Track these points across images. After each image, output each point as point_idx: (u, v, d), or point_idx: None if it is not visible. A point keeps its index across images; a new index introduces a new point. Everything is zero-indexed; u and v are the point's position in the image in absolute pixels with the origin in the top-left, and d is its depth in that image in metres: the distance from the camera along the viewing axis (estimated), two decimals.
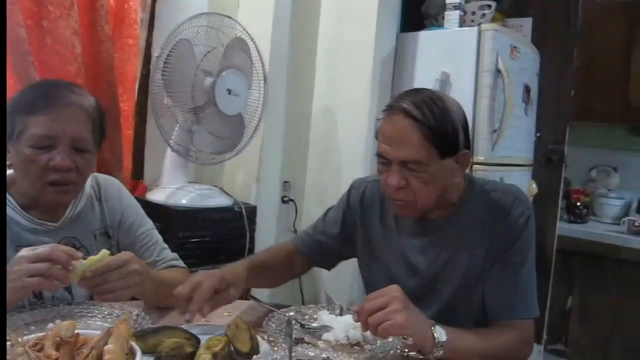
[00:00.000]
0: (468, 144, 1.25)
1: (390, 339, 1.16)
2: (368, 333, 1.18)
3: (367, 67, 2.39)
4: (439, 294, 1.31)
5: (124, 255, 1.14)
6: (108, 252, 1.12)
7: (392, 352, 1.14)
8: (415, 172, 1.19)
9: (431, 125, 1.16)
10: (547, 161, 2.90)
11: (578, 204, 3.65)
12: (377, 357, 1.11)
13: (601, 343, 3.29)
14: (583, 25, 2.84)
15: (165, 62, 1.90)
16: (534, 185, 2.70)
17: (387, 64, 2.47)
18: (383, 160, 1.24)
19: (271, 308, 1.29)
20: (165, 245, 1.49)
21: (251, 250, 2.19)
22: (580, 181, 3.86)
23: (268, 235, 2.38)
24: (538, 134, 2.83)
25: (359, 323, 1.10)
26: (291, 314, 1.28)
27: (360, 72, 2.41)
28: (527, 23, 2.78)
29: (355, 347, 1.16)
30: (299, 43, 2.47)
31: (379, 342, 1.17)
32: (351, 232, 1.48)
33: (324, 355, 1.02)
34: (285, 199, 2.54)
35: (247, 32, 2.09)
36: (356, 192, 1.50)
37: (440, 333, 1.09)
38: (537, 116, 2.82)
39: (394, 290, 1.08)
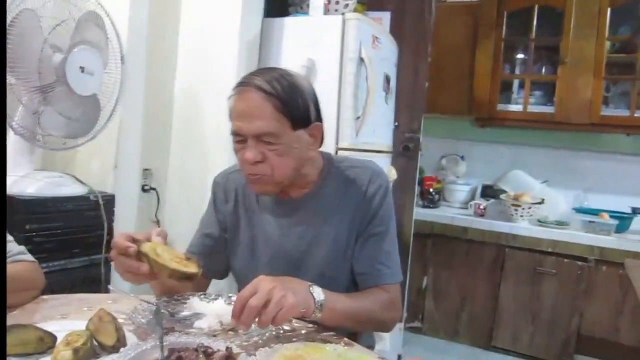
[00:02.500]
0: (320, 118, 1.31)
1: None
2: None
3: (232, 51, 2.33)
4: (307, 272, 1.32)
5: None
6: None
7: (267, 334, 1.12)
8: (271, 144, 1.21)
9: (281, 97, 1.20)
10: (404, 149, 3.06)
11: (431, 190, 3.91)
12: (254, 339, 1.08)
13: (452, 317, 3.57)
14: (435, 22, 3.03)
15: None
16: (394, 171, 2.83)
17: (252, 49, 2.43)
18: (238, 138, 1.24)
19: (138, 298, 1.20)
20: (11, 238, 1.32)
21: (109, 242, 2.04)
22: (432, 169, 4.14)
23: (127, 226, 2.23)
24: (396, 123, 2.97)
25: (232, 308, 1.06)
26: (159, 302, 1.20)
27: (225, 55, 2.34)
28: (385, 16, 2.89)
29: (229, 332, 1.12)
30: (160, 21, 2.33)
31: (253, 325, 1.14)
32: (230, 229, 1.45)
33: (199, 341, 0.97)
34: (146, 187, 2.40)
35: (101, 5, 1.92)
36: (219, 186, 1.48)
37: (317, 292, 1.13)
38: (395, 106, 2.96)
39: (262, 280, 1.05)
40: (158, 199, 2.44)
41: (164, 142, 2.47)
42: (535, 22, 3.59)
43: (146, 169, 2.39)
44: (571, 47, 3.45)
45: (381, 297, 1.30)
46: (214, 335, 1.07)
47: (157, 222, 2.42)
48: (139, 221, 2.32)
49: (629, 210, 3.46)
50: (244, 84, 1.23)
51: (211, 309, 1.20)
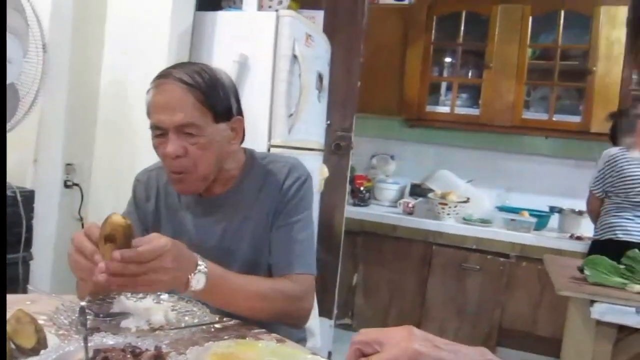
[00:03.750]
0: (240, 112, 1.31)
1: (195, 320, 1.11)
2: (171, 316, 1.12)
3: (162, 43, 2.27)
4: (229, 269, 1.29)
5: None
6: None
7: (195, 331, 1.09)
8: (192, 137, 1.20)
9: (202, 88, 1.20)
10: (336, 147, 3.08)
11: (361, 188, 3.97)
12: (184, 338, 1.05)
13: (382, 313, 3.64)
14: (367, 23, 3.08)
15: None
16: (326, 169, 2.85)
17: (183, 42, 2.37)
18: (158, 132, 1.22)
19: (60, 297, 1.14)
20: None
21: (28, 240, 1.94)
22: (362, 168, 4.20)
23: (48, 223, 2.13)
24: (329, 121, 2.99)
25: (160, 306, 1.04)
26: (83, 302, 1.15)
27: (155, 47, 2.27)
28: (319, 15, 2.90)
29: (158, 331, 1.08)
30: (85, 9, 2.23)
31: (183, 324, 1.11)
32: (152, 228, 1.39)
33: (127, 342, 0.93)
34: (69, 183, 2.29)
35: None
36: (140, 184, 1.44)
37: (202, 268, 1.06)
38: (327, 104, 2.98)
39: (165, 250, 0.98)
40: (82, 195, 2.33)
41: (88, 136, 2.37)
42: (462, 28, 3.72)
43: (69, 164, 2.28)
44: (496, 53, 3.61)
45: (285, 285, 1.24)
46: (141, 336, 1.03)
47: (81, 220, 2.31)
48: (60, 219, 2.22)
49: (547, 209, 3.66)
50: (163, 77, 1.22)
51: (138, 308, 1.16)
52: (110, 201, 2.33)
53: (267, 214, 1.32)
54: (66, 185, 2.28)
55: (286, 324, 1.25)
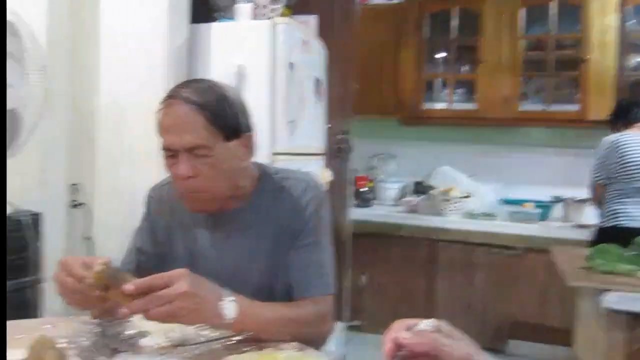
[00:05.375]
0: (250, 128, 1.29)
1: (216, 334, 1.12)
2: (189, 331, 1.13)
3: (159, 59, 2.27)
4: (244, 286, 1.28)
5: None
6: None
7: (218, 346, 1.10)
8: (203, 158, 1.19)
9: (211, 108, 1.19)
10: (337, 150, 3.09)
11: (363, 189, 3.98)
12: (204, 353, 1.06)
13: (392, 313, 3.62)
14: (359, 24, 3.09)
15: None
16: (329, 173, 2.85)
17: (180, 57, 2.38)
18: (170, 153, 1.21)
19: (78, 320, 1.14)
20: None
21: (36, 263, 1.94)
22: (363, 169, 4.21)
23: (56, 245, 2.13)
24: (329, 125, 3.00)
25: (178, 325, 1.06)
26: (102, 323, 1.15)
27: (152, 64, 2.28)
28: (312, 20, 2.90)
29: (178, 347, 1.09)
30: (80, 31, 2.24)
31: (202, 338, 1.12)
32: (164, 244, 1.40)
33: None
34: (75, 203, 2.29)
35: (17, 14, 1.82)
36: (153, 200, 1.44)
37: (229, 309, 1.07)
38: (326, 108, 2.98)
39: (181, 277, 1.02)
40: (90, 214, 2.33)
41: (90, 155, 2.37)
42: (454, 24, 3.73)
43: (73, 184, 2.29)
44: (489, 47, 3.62)
45: (308, 309, 1.25)
46: (163, 353, 1.04)
47: (90, 239, 2.32)
48: (69, 239, 2.22)
49: (549, 199, 3.67)
50: (172, 97, 1.21)
51: (155, 326, 1.16)
52: (115, 219, 2.34)
53: (283, 234, 1.30)
54: (72, 206, 2.28)
55: (308, 345, 1.25)
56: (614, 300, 1.83)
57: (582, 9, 3.43)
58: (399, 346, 0.65)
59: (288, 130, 2.38)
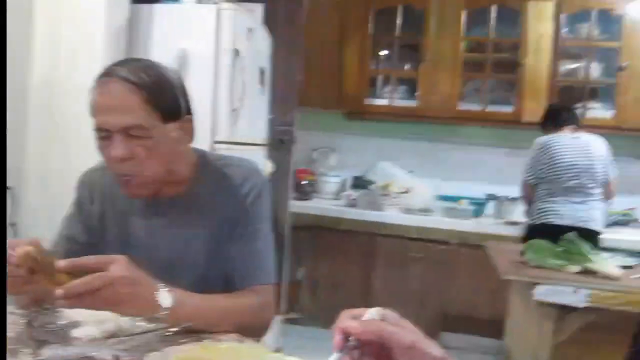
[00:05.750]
0: (190, 111, 1.25)
1: (152, 325, 1.07)
2: (123, 322, 1.08)
3: (97, 40, 2.17)
4: (182, 275, 1.26)
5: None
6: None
7: (154, 337, 1.06)
8: (139, 139, 1.14)
9: (149, 87, 1.14)
10: (279, 142, 3.07)
11: (303, 182, 3.97)
12: (140, 344, 1.01)
13: (329, 306, 3.66)
14: (308, 16, 3.07)
15: None
16: (270, 165, 2.83)
17: (120, 37, 2.28)
18: (103, 134, 1.15)
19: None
20: None
21: None
22: (304, 162, 4.20)
23: None
24: (272, 116, 2.97)
25: (111, 314, 1.01)
26: (29, 313, 1.09)
27: (89, 44, 2.17)
28: (258, 8, 2.86)
29: (112, 339, 1.04)
30: (11, 6, 2.10)
31: (137, 330, 1.07)
32: (96, 232, 1.33)
33: (81, 352, 0.89)
34: None
35: None
36: (84, 185, 1.36)
37: (164, 298, 1.04)
38: (269, 99, 2.95)
39: (116, 263, 0.98)
40: (17, 199, 2.20)
41: (20, 137, 2.24)
42: (399, 21, 3.78)
43: None
44: (432, 46, 3.69)
45: (249, 299, 1.23)
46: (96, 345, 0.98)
47: (13, 225, 2.19)
48: None
49: (483, 197, 3.79)
50: (107, 75, 1.15)
51: (88, 316, 1.11)
52: (45, 206, 2.22)
53: (224, 222, 1.27)
54: None
55: (249, 336, 1.22)
56: (544, 292, 1.91)
57: (521, 15, 3.56)
58: (347, 336, 0.65)
59: (230, 119, 2.34)
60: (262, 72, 2.70)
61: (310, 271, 3.71)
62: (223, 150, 2.28)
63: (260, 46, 2.65)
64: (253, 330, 1.21)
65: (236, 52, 2.30)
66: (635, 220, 3.57)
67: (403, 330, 0.66)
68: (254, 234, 1.29)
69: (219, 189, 1.29)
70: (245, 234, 1.28)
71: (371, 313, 0.69)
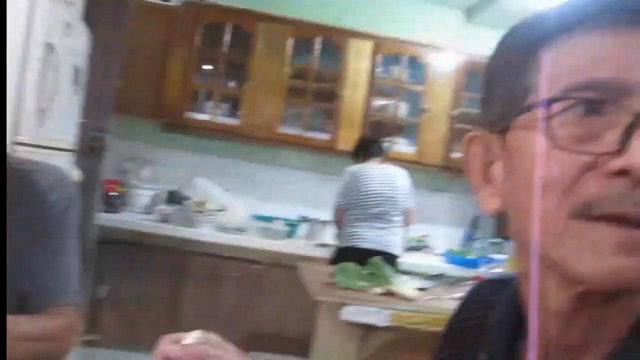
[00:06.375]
0: None
1: None
2: None
3: None
4: None
5: None
6: None
7: None
8: None
9: None
10: (90, 148, 2.84)
11: (112, 194, 3.72)
12: None
13: (132, 327, 3.45)
14: (134, 18, 2.92)
15: None
16: (77, 173, 2.59)
17: None
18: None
19: None
20: None
21: None
22: (115, 172, 3.93)
23: None
24: (84, 120, 2.74)
25: None
26: None
27: None
28: (79, 2, 2.64)
29: None
30: None
31: None
32: None
33: None
34: None
35: None
36: None
37: None
38: (83, 101, 2.72)
39: None
40: None
41: None
42: (227, 38, 3.78)
43: None
44: (258, 67, 3.75)
45: (52, 321, 1.11)
46: None
47: None
48: None
49: (297, 218, 3.92)
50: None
51: None
52: None
53: (25, 232, 1.13)
54: None
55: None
56: (351, 312, 2.03)
57: (343, 49, 3.81)
58: None
59: (36, 119, 2.10)
60: (77, 71, 2.48)
61: (113, 289, 3.46)
62: (25, 153, 2.03)
63: (77, 43, 2.44)
64: (51, 356, 1.10)
65: (49, 47, 2.08)
66: (427, 247, 4.00)
67: (226, 354, 0.65)
68: (60, 249, 1.17)
69: (22, 197, 1.14)
70: (49, 247, 1.15)
71: (192, 337, 0.67)
